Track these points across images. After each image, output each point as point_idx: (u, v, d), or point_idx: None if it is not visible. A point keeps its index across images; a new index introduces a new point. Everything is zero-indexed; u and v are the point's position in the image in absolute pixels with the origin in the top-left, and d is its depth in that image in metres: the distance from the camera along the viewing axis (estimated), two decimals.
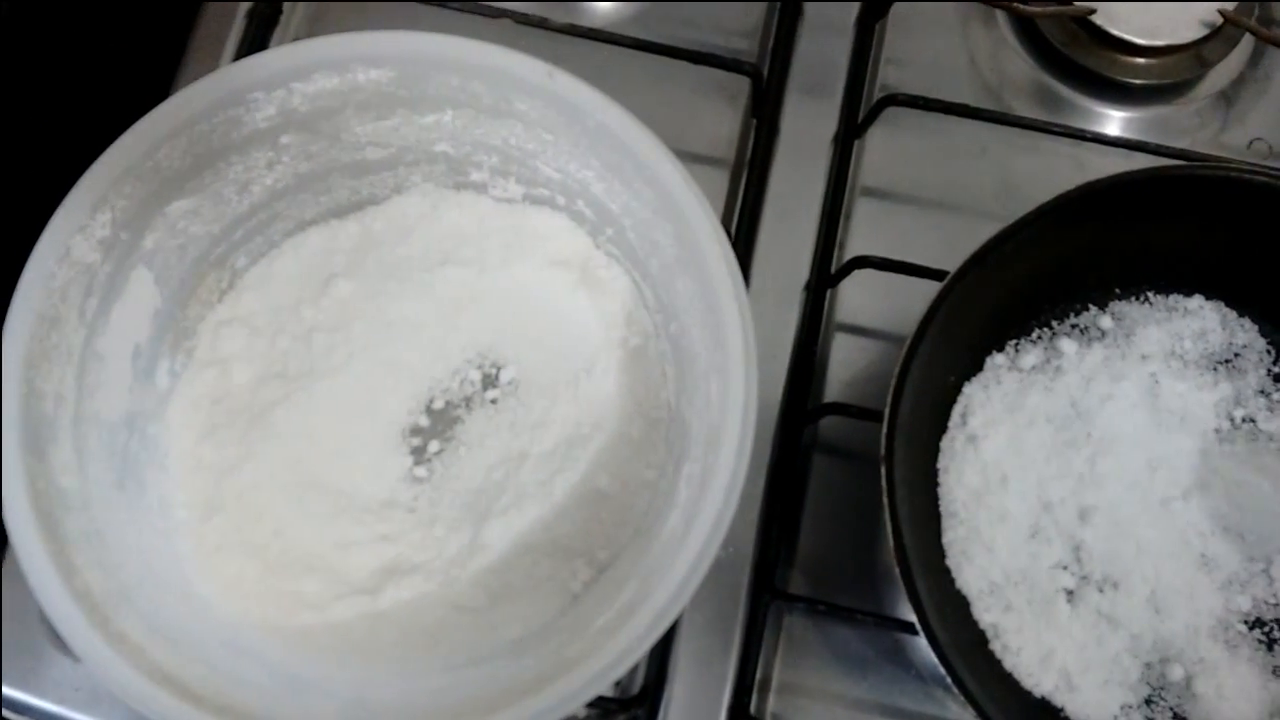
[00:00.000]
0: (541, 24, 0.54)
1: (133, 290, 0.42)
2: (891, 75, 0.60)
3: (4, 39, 0.54)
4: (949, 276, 0.44)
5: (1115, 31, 0.56)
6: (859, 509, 0.53)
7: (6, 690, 0.50)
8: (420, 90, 0.42)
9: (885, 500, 0.41)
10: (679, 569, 0.36)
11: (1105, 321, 0.49)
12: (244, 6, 0.58)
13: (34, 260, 0.38)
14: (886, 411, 0.43)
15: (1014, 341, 0.49)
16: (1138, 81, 0.58)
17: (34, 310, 0.38)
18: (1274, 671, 0.44)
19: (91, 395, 0.40)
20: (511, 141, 0.45)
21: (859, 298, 0.56)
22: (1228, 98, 0.60)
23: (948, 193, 0.58)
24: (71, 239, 0.39)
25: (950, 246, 0.58)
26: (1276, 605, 0.45)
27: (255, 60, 0.40)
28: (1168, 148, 0.55)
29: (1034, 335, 0.49)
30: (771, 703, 0.50)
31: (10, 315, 0.38)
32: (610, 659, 0.35)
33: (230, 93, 0.40)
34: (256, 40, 0.57)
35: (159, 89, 0.56)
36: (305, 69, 0.40)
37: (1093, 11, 0.56)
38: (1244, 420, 0.47)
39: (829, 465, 0.54)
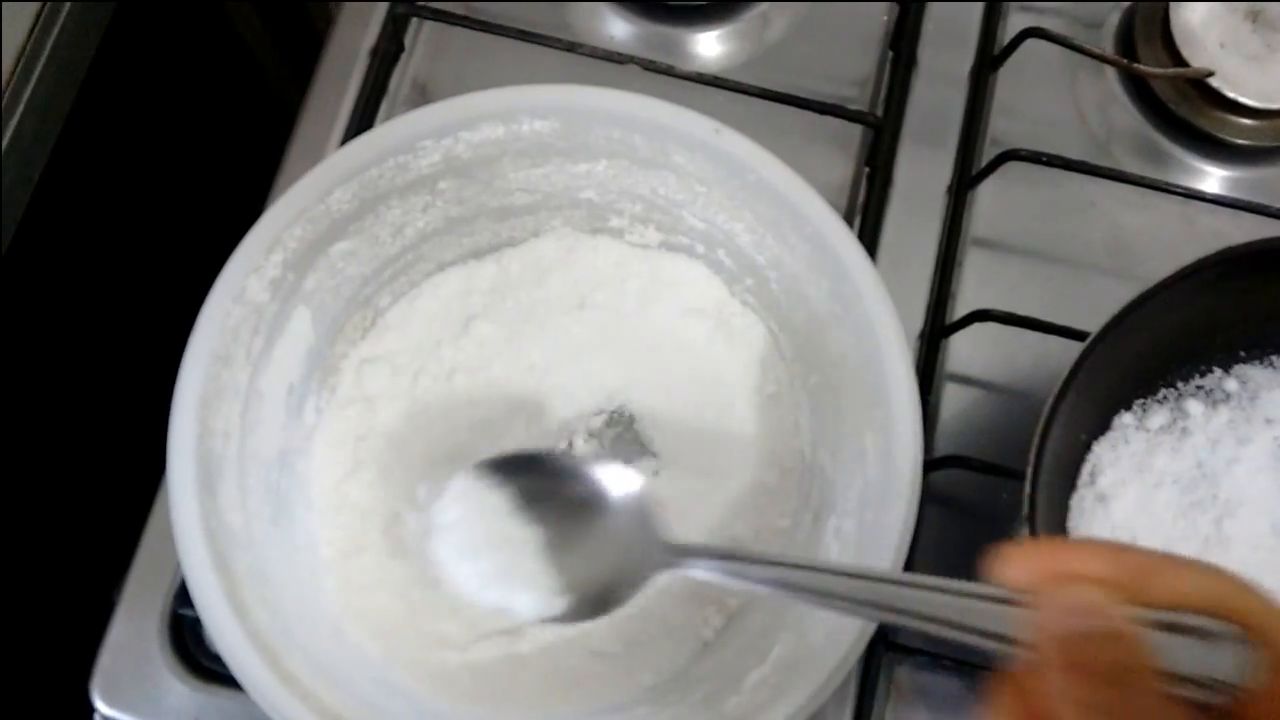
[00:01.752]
0: (668, 71, 0.55)
1: (293, 329, 0.42)
2: (1000, 126, 0.61)
3: (134, 80, 0.55)
4: (1092, 336, 0.45)
5: (1231, 94, 0.57)
6: (971, 562, 0.53)
7: (124, 717, 0.50)
8: (579, 141, 0.43)
9: None
10: (849, 629, 0.36)
11: (1230, 384, 0.49)
12: (367, 42, 0.59)
13: (212, 299, 0.39)
14: (1029, 470, 0.43)
15: (1141, 401, 0.49)
16: (1246, 142, 0.59)
17: (210, 349, 0.38)
18: None
19: (253, 432, 0.41)
20: (660, 191, 0.45)
21: (969, 348, 0.57)
22: None
23: (1056, 246, 0.58)
24: (247, 279, 0.39)
25: (1060, 300, 0.58)
26: None
27: (430, 110, 0.41)
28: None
29: (1160, 396, 0.49)
30: None
31: (188, 354, 0.38)
32: (781, 717, 0.35)
33: (404, 140, 0.41)
34: (379, 77, 0.58)
35: (284, 125, 0.57)
36: (475, 119, 0.41)
37: (1211, 74, 0.57)
38: None
39: (939, 516, 0.54)
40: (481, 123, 0.41)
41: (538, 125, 0.42)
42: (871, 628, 0.37)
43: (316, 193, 0.40)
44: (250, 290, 0.39)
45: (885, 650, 0.50)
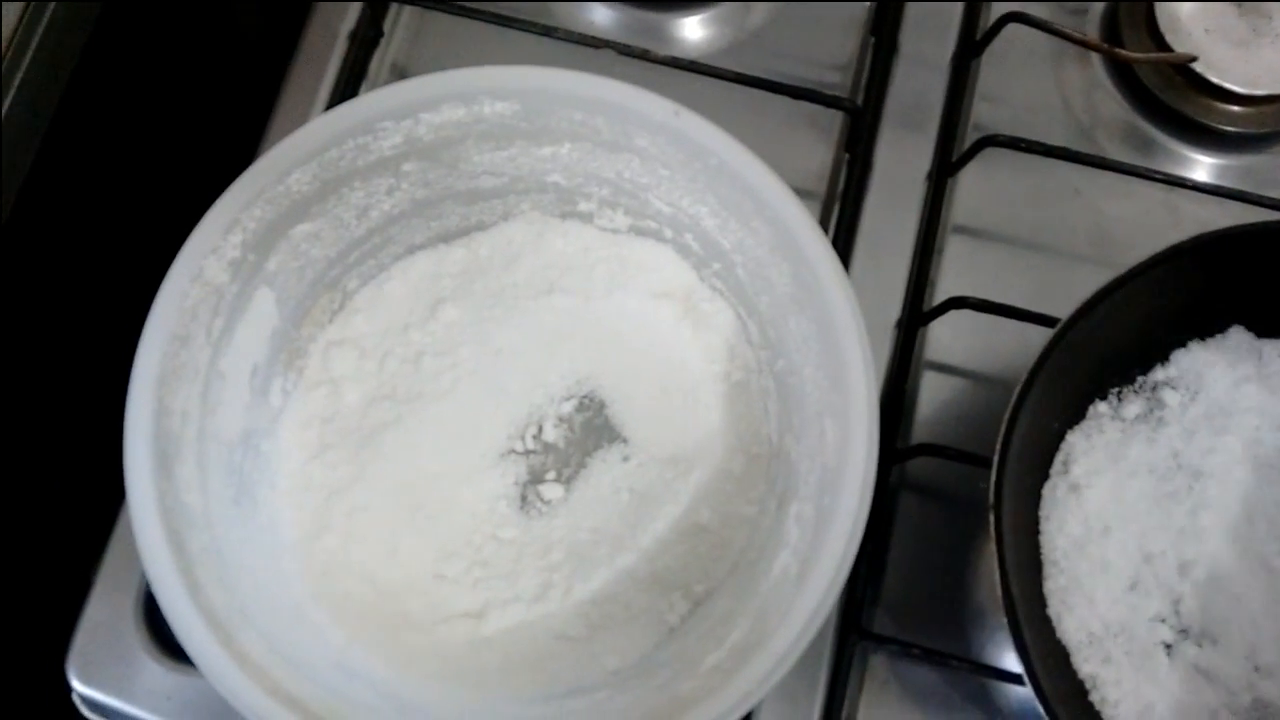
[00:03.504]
0: (643, 55, 0.55)
1: (255, 310, 0.42)
2: (984, 112, 0.60)
3: (118, 61, 0.55)
4: (1061, 323, 0.44)
5: (1216, 80, 0.56)
6: (947, 550, 0.53)
7: (99, 696, 0.50)
8: (542, 123, 0.43)
9: (994, 549, 0.41)
10: (800, 613, 0.36)
11: (1209, 373, 0.49)
12: (347, 26, 0.59)
13: (169, 280, 0.39)
14: (996, 458, 0.43)
15: (1116, 390, 0.49)
16: (1233, 129, 0.58)
17: (168, 329, 0.38)
18: None
19: (213, 413, 0.41)
20: (625, 175, 0.45)
21: (947, 336, 0.56)
22: None
23: (1039, 233, 0.58)
24: (205, 260, 0.39)
25: (1042, 288, 0.58)
26: None
27: (389, 90, 0.41)
28: (1266, 197, 0.55)
29: (1136, 385, 0.49)
30: None
31: (145, 333, 0.38)
32: (730, 702, 0.35)
33: (363, 121, 0.41)
34: (359, 61, 0.58)
35: (263, 107, 0.57)
36: (435, 100, 0.41)
37: (1194, 59, 0.56)
38: None
39: (915, 504, 0.54)
40: (441, 104, 0.41)
41: (499, 107, 0.42)
42: (823, 615, 0.37)
43: (274, 174, 0.40)
44: (209, 271, 0.39)
45: (858, 639, 0.50)
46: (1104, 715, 0.44)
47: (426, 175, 0.45)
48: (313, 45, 0.59)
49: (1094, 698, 0.44)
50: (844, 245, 0.55)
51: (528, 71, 0.41)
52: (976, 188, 0.59)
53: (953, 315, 0.54)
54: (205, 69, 0.62)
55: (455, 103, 0.41)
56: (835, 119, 0.58)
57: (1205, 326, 0.49)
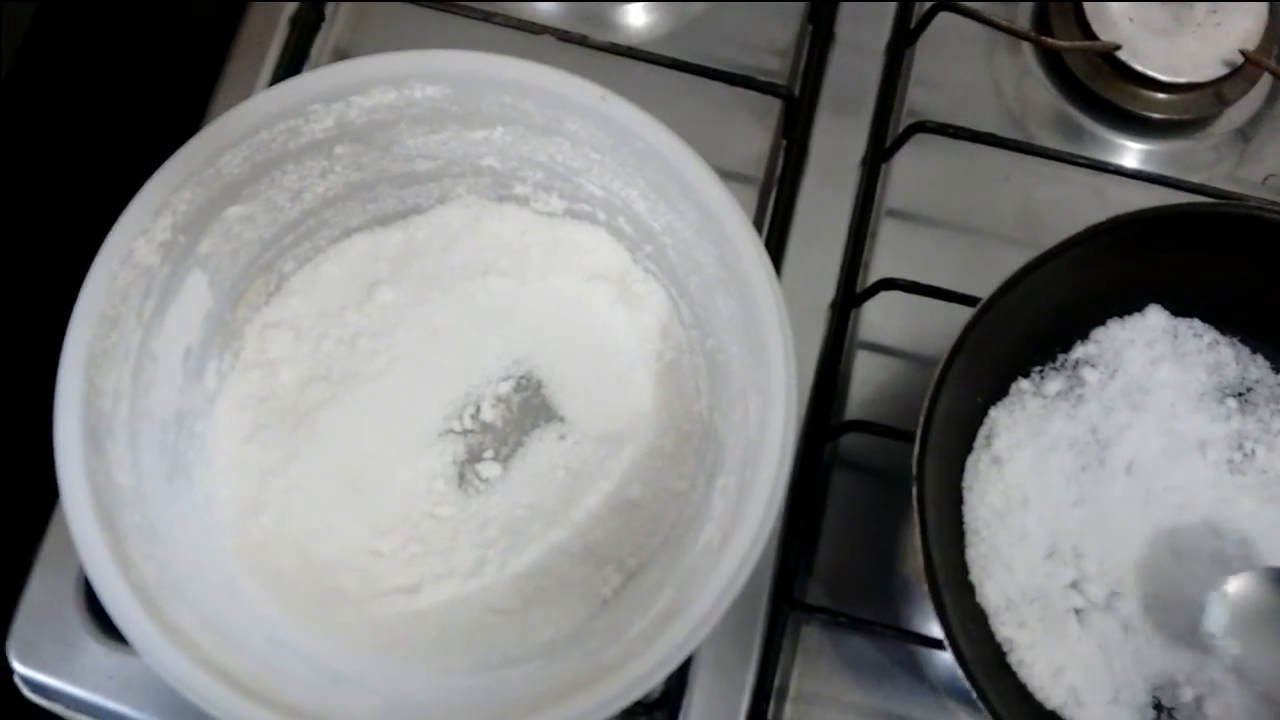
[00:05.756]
0: (582, 41, 0.56)
1: (187, 292, 0.43)
2: (919, 98, 0.62)
3: (56, 49, 0.55)
4: (982, 302, 0.46)
5: (1139, 67, 0.58)
6: (878, 523, 0.54)
7: (40, 677, 0.51)
8: (474, 107, 0.44)
9: (916, 519, 0.42)
10: (718, 581, 0.37)
11: (1127, 351, 0.50)
12: (288, 10, 0.59)
13: (99, 262, 0.39)
14: (918, 433, 0.44)
15: (1039, 368, 0.50)
16: (1158, 116, 0.60)
17: (97, 310, 0.39)
18: None
19: (146, 393, 0.42)
20: (558, 158, 0.46)
21: (881, 317, 0.58)
22: (1245, 134, 0.61)
23: (970, 217, 0.59)
24: (135, 242, 0.40)
25: (972, 270, 0.59)
26: None
27: (316, 74, 0.41)
28: (1187, 182, 0.56)
29: (1058, 362, 0.50)
30: (788, 711, 0.51)
31: (75, 315, 0.39)
32: (649, 666, 0.36)
33: (292, 104, 0.41)
34: (299, 45, 0.58)
35: (204, 91, 0.57)
36: (365, 83, 0.42)
37: (1118, 48, 0.58)
38: (1254, 453, 0.48)
39: (848, 479, 0.55)
40: (371, 87, 0.42)
41: (429, 90, 0.42)
42: (741, 582, 0.38)
43: (204, 156, 0.40)
44: (138, 253, 0.40)
45: (789, 609, 0.51)
46: (1019, 676, 0.46)
47: (360, 158, 0.45)
48: (254, 29, 0.59)
49: (1011, 659, 0.46)
50: (780, 229, 0.56)
51: (456, 55, 0.42)
52: (910, 172, 0.60)
53: (886, 296, 0.55)
54: (147, 53, 0.62)
55: (385, 86, 0.42)
56: (773, 106, 0.60)
57: (1124, 305, 0.51)
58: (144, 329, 0.41)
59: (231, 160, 0.41)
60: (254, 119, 0.41)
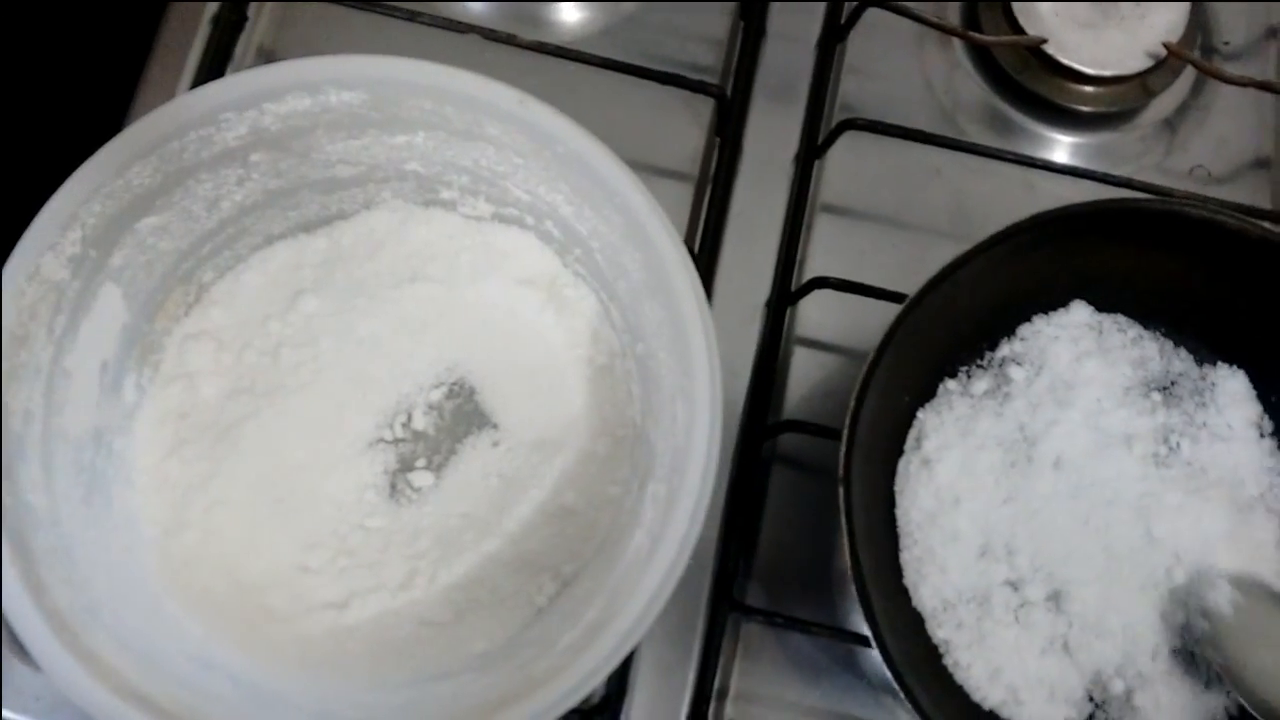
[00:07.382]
0: (509, 40, 0.55)
1: (101, 306, 0.42)
2: (852, 91, 0.62)
3: None
4: (907, 301, 0.46)
5: (1066, 61, 0.58)
6: (817, 522, 0.55)
7: None
8: (392, 112, 0.43)
9: (843, 520, 0.42)
10: (644, 590, 0.37)
11: (1052, 347, 0.51)
12: (210, 9, 0.58)
13: (4, 279, 0.38)
14: (844, 434, 0.44)
15: (965, 368, 0.50)
16: (1086, 108, 0.60)
17: (5, 329, 0.38)
18: (1206, 685, 0.46)
19: (59, 411, 0.40)
20: (482, 163, 0.45)
21: (817, 313, 0.58)
22: (1171, 126, 0.62)
23: (903, 213, 0.60)
24: (42, 257, 0.38)
25: (905, 266, 0.60)
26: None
27: (227, 81, 0.40)
28: (1113, 176, 0.57)
29: (985, 360, 0.51)
30: (729, 710, 0.51)
31: None
32: (577, 679, 0.36)
33: (202, 113, 0.40)
34: (222, 45, 0.57)
35: (123, 94, 0.56)
36: (278, 90, 0.41)
37: (1044, 42, 0.58)
38: (1179, 446, 0.49)
39: (787, 479, 0.55)
40: (285, 94, 0.41)
41: (346, 96, 0.42)
42: (668, 592, 0.38)
43: (111, 168, 0.39)
44: (46, 268, 0.39)
45: (728, 609, 0.51)
46: (956, 677, 0.46)
47: (278, 165, 0.44)
48: (174, 31, 0.58)
49: (947, 662, 0.46)
50: (715, 226, 0.56)
51: (372, 61, 0.41)
52: (843, 168, 0.60)
53: (821, 294, 0.55)
54: (63, 54, 0.60)
55: (300, 92, 0.41)
56: (707, 103, 0.59)
57: (1049, 301, 0.51)
58: (55, 345, 0.40)
59: (141, 171, 0.40)
60: (163, 129, 0.40)
